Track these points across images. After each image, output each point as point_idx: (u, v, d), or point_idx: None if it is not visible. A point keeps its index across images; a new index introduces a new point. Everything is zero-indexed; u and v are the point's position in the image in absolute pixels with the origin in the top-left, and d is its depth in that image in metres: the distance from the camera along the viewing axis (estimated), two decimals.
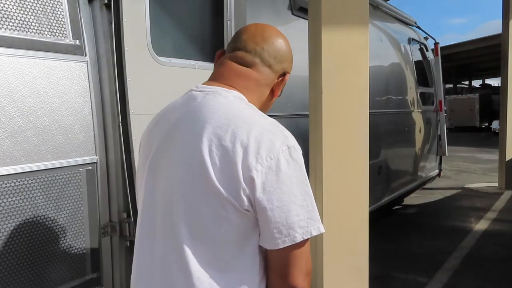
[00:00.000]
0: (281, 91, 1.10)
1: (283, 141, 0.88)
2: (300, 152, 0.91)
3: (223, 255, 0.88)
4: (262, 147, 0.85)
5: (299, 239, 0.86)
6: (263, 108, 1.06)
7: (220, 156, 0.85)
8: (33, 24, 1.50)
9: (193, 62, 1.96)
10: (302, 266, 0.89)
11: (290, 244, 0.86)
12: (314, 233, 0.88)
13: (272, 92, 1.07)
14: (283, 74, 1.08)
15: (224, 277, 0.88)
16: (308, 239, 0.88)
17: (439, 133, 6.41)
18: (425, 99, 5.90)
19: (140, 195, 1.03)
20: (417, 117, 5.62)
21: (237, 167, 0.84)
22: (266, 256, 0.92)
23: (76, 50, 1.63)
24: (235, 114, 0.91)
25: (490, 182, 8.34)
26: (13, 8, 1.45)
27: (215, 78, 1.05)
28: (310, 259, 0.92)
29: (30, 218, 1.47)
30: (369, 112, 2.56)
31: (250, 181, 0.84)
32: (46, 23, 1.54)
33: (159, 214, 0.94)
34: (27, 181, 1.46)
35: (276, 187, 0.85)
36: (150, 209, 0.97)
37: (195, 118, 0.93)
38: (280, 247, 0.86)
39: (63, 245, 1.58)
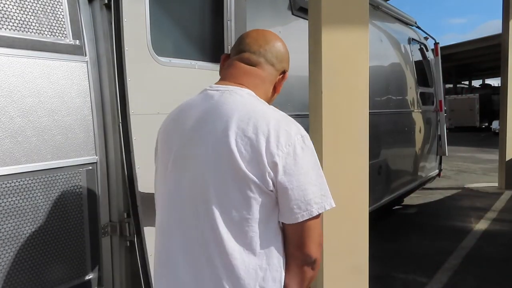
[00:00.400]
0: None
1: (297, 131, 1.04)
2: (310, 140, 1.07)
3: (251, 232, 1.01)
4: (281, 136, 1.00)
5: (315, 213, 1.02)
6: (267, 103, 1.17)
7: (245, 145, 0.99)
8: (33, 24, 1.50)
9: (193, 62, 1.96)
10: (316, 237, 1.05)
11: (307, 218, 1.01)
12: (327, 208, 1.04)
13: (275, 88, 1.23)
14: (283, 72, 1.23)
15: (253, 252, 1.02)
16: (321, 213, 1.04)
17: (439, 133, 6.41)
18: (425, 99, 5.90)
19: (163, 187, 1.15)
20: (417, 117, 5.62)
21: (262, 154, 0.98)
22: (283, 231, 1.06)
23: (76, 50, 1.63)
24: (253, 109, 1.05)
25: (490, 182, 8.34)
26: (13, 8, 1.45)
27: (226, 78, 1.17)
28: (322, 232, 1.09)
29: (30, 218, 1.47)
30: (369, 112, 2.56)
31: (274, 166, 0.98)
32: (46, 23, 1.54)
33: (190, 202, 1.05)
34: (27, 181, 1.46)
35: (295, 170, 1.00)
36: (179, 198, 1.08)
37: (218, 114, 1.06)
38: (299, 221, 1.01)
39: (63, 245, 1.58)
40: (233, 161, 0.99)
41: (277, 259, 1.05)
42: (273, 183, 1.00)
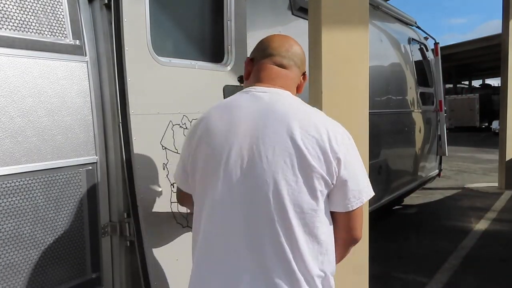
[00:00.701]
0: None
1: (342, 129, 1.19)
2: None
3: (317, 223, 1.12)
4: (337, 134, 1.14)
5: (365, 200, 1.17)
6: None
7: (312, 144, 1.10)
8: (33, 24, 1.50)
9: (193, 62, 1.96)
10: (361, 220, 1.21)
11: (359, 205, 1.16)
12: (371, 195, 1.20)
13: (297, 89, 1.35)
14: (303, 74, 1.35)
15: (317, 240, 1.13)
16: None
17: (439, 133, 6.41)
18: (425, 99, 5.90)
19: (218, 187, 1.15)
20: (417, 117, 5.62)
21: (327, 151, 1.10)
22: (333, 218, 1.19)
23: (76, 50, 1.63)
24: (305, 110, 1.19)
25: (490, 182, 8.34)
26: (13, 8, 1.45)
27: (264, 81, 1.26)
28: None
29: (30, 218, 1.47)
30: (369, 112, 2.57)
31: (338, 161, 1.11)
32: (46, 23, 1.54)
33: (258, 200, 1.11)
34: (27, 181, 1.46)
35: (351, 164, 1.14)
36: (242, 196, 1.12)
37: (275, 115, 1.15)
38: (354, 208, 1.16)
39: (63, 245, 1.58)
40: (303, 158, 1.09)
41: (331, 245, 1.17)
42: (336, 177, 1.12)
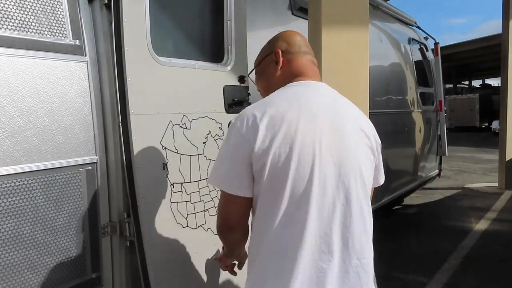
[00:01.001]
0: None
1: None
2: None
3: (369, 197, 1.26)
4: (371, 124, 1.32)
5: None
6: None
7: (368, 128, 1.27)
8: (33, 24, 1.50)
9: (193, 62, 1.96)
10: None
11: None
12: None
13: None
14: None
15: (370, 211, 1.25)
16: None
17: (439, 133, 6.40)
18: (425, 99, 5.90)
19: (314, 183, 1.12)
20: (417, 117, 5.62)
21: (375, 135, 1.29)
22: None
23: (76, 50, 1.63)
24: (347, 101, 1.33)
25: (490, 182, 8.34)
26: (13, 8, 1.45)
27: (308, 75, 1.32)
28: None
29: (30, 218, 1.47)
30: (369, 112, 2.57)
31: (378, 146, 1.30)
32: (46, 23, 1.54)
33: (352, 181, 1.18)
34: (27, 181, 1.46)
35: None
36: (329, 183, 1.15)
37: (340, 105, 1.27)
38: (383, 182, 1.40)
39: (63, 245, 1.58)
40: (366, 145, 1.24)
41: None
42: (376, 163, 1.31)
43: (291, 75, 1.31)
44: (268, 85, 1.38)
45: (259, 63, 1.43)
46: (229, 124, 1.64)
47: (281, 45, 1.35)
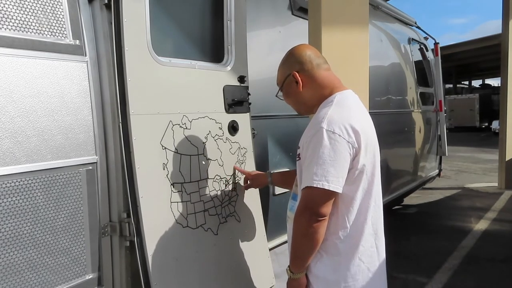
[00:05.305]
0: None
1: None
2: None
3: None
4: None
5: None
6: None
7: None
8: (33, 24, 1.50)
9: (193, 62, 1.96)
10: None
11: None
12: None
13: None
14: None
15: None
16: None
17: (439, 133, 6.41)
18: (425, 99, 5.90)
19: (376, 182, 1.46)
20: (417, 117, 5.62)
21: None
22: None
23: (76, 50, 1.63)
24: None
25: (490, 182, 8.35)
26: (13, 8, 1.45)
27: (340, 84, 1.55)
28: None
29: (30, 218, 1.47)
30: (369, 112, 2.56)
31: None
32: (46, 23, 1.54)
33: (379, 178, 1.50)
34: (27, 181, 1.46)
35: None
36: (378, 185, 1.49)
37: (367, 115, 1.55)
38: None
39: (63, 245, 1.58)
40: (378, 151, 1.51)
41: None
42: None
43: (323, 89, 1.51)
44: (299, 102, 1.58)
45: (281, 86, 1.59)
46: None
47: (294, 67, 1.51)
